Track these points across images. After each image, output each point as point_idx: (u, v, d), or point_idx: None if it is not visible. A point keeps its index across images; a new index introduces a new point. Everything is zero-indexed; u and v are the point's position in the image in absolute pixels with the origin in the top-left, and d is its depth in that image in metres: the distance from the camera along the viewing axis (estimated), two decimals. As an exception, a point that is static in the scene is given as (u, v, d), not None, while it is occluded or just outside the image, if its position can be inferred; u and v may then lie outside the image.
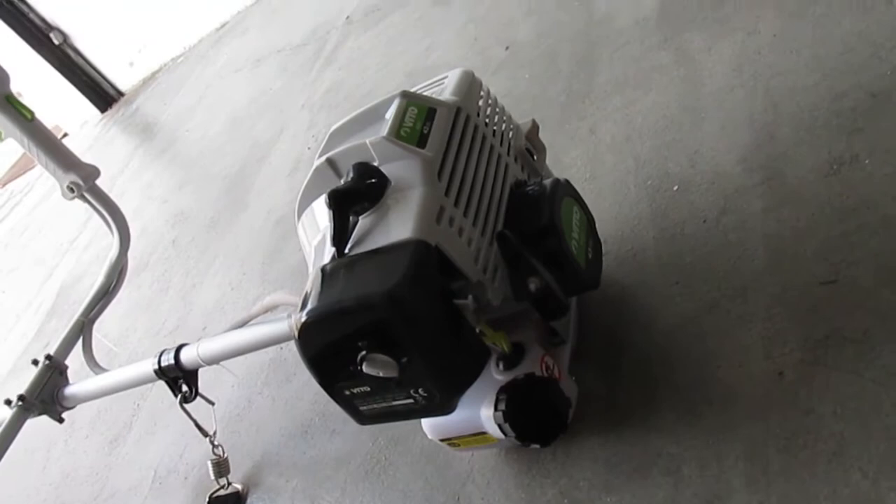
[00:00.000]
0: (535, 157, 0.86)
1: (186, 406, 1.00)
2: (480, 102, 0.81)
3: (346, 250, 0.65)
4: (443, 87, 0.80)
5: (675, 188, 0.96)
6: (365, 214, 0.67)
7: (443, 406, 0.67)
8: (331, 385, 0.65)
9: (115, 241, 1.22)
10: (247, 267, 1.51)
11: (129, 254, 1.23)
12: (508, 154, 0.81)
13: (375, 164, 0.69)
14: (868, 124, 0.86)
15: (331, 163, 0.72)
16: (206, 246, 1.70)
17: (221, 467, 1.05)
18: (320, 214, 0.70)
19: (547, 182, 0.78)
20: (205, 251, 1.69)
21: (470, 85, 0.81)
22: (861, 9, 0.98)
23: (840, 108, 0.90)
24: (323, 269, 0.65)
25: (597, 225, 0.83)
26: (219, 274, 1.56)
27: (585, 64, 1.27)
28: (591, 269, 0.76)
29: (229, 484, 1.05)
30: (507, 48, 1.47)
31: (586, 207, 0.81)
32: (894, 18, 0.94)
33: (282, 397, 1.14)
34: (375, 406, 0.66)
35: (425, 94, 0.80)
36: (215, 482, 1.05)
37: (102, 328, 1.32)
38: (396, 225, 0.65)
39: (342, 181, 0.68)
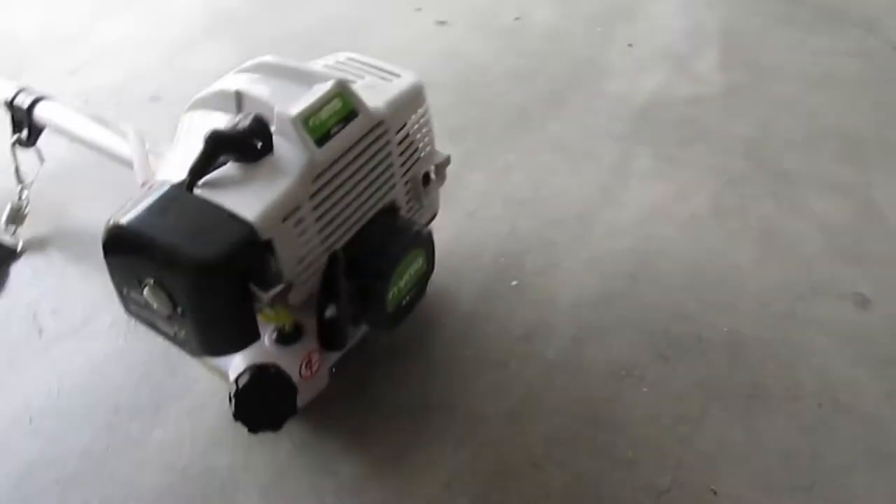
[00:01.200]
0: (428, 186, 0.84)
1: (17, 149, 1.02)
2: (411, 118, 0.78)
3: (198, 184, 0.65)
4: (385, 88, 0.76)
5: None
6: (231, 164, 0.67)
7: (192, 354, 0.71)
8: (114, 275, 0.68)
9: None
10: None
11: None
12: (403, 175, 0.79)
13: (272, 129, 0.67)
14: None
15: (238, 95, 0.70)
16: None
17: (17, 217, 1.06)
18: (203, 128, 0.67)
19: (411, 226, 0.78)
20: None
21: (411, 100, 0.78)
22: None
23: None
24: (164, 188, 0.65)
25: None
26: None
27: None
28: (397, 314, 0.79)
29: (13, 234, 1.06)
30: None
31: (432, 261, 0.82)
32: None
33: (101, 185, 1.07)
34: (143, 314, 0.69)
35: (363, 77, 0.77)
36: (5, 225, 1.06)
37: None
38: (249, 198, 0.65)
39: (236, 120, 0.67)
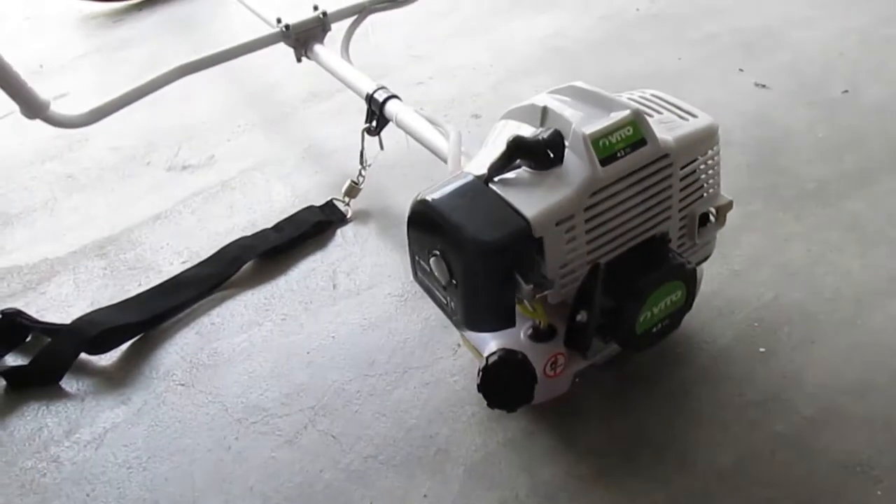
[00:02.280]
0: (705, 226, 0.86)
1: (366, 135, 1.23)
2: (698, 159, 0.82)
3: (494, 179, 0.76)
4: (679, 125, 0.81)
5: None
6: (524, 168, 0.76)
7: (456, 324, 0.82)
8: (411, 243, 0.81)
9: None
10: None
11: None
12: (681, 210, 0.83)
13: (566, 143, 0.75)
14: None
15: (544, 111, 0.79)
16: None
17: (353, 191, 1.27)
18: (507, 135, 0.77)
19: (677, 258, 0.81)
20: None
21: (702, 140, 0.81)
22: None
23: None
24: (465, 177, 0.77)
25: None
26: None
27: None
28: (645, 338, 0.82)
29: (347, 205, 1.28)
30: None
31: (692, 298, 0.85)
32: None
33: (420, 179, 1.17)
34: (425, 281, 0.82)
35: (661, 113, 0.83)
36: (342, 196, 1.27)
37: (383, 20, 1.52)
38: (532, 199, 0.74)
39: (537, 131, 0.77)
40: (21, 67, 1.95)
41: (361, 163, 1.26)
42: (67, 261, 1.26)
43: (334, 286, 1.14)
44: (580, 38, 1.72)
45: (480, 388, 0.84)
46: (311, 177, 1.39)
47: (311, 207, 1.28)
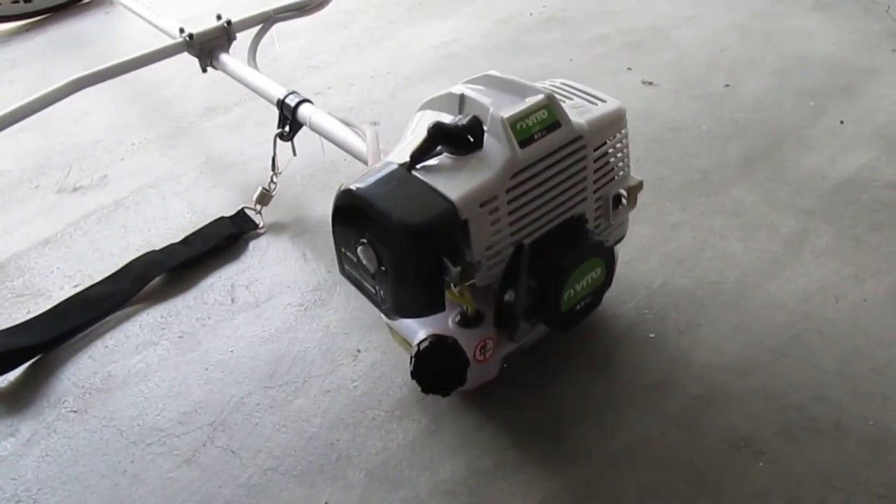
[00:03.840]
0: (619, 207, 0.91)
1: (278, 141, 1.23)
2: (608, 141, 0.86)
3: (417, 167, 0.78)
4: (590, 109, 0.85)
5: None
6: (446, 154, 0.79)
7: (387, 313, 0.83)
8: (336, 235, 0.82)
9: None
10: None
11: None
12: (595, 192, 0.87)
13: (485, 128, 0.78)
14: None
15: (462, 98, 0.82)
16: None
17: (265, 198, 1.26)
18: (426, 123, 0.80)
19: (596, 237, 0.85)
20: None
21: (612, 123, 0.85)
22: None
23: None
24: (387, 167, 0.79)
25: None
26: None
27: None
28: (570, 316, 0.85)
29: (259, 213, 1.26)
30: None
31: (611, 275, 0.89)
32: None
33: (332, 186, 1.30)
34: (353, 273, 0.82)
35: (572, 99, 0.87)
36: (253, 203, 1.26)
37: (282, 30, 1.53)
38: (455, 183, 0.76)
39: (456, 118, 0.79)
40: None
41: (273, 169, 1.25)
42: (-51, 291, 1.21)
43: (233, 300, 1.12)
44: (476, 44, 1.75)
45: (414, 374, 0.85)
46: (208, 191, 1.36)
47: (221, 219, 1.26)
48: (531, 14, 1.85)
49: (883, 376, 0.90)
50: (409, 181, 0.77)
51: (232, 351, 1.04)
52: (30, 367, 1.05)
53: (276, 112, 1.47)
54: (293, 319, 1.08)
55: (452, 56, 1.72)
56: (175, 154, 1.49)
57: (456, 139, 0.77)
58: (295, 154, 1.25)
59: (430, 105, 0.87)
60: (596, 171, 0.85)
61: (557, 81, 0.92)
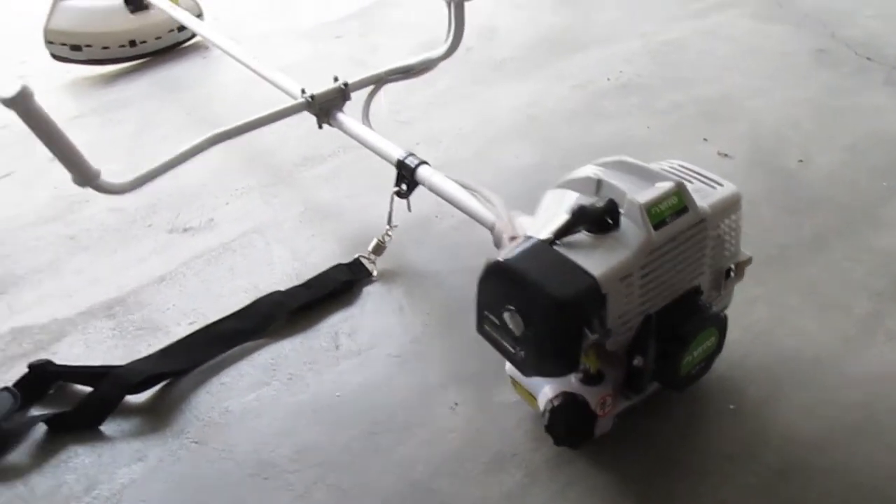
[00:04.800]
0: (728, 280, 1.01)
1: (395, 198, 1.33)
2: (725, 222, 0.96)
3: (557, 242, 0.88)
4: (708, 193, 0.96)
5: None
6: (584, 233, 0.89)
7: (524, 371, 0.92)
8: (481, 299, 0.91)
9: (447, 43, 1.51)
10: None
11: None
12: (711, 266, 0.97)
13: (621, 211, 0.88)
14: None
15: (599, 183, 0.93)
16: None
17: (379, 249, 1.36)
18: (565, 203, 0.92)
19: (712, 308, 0.95)
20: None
21: (729, 206, 0.96)
22: None
23: None
24: (532, 241, 0.89)
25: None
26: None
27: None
28: (686, 379, 0.95)
29: (373, 262, 1.36)
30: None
31: (722, 343, 0.98)
32: None
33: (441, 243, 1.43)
34: (492, 332, 0.92)
35: (694, 182, 0.97)
36: (368, 253, 1.36)
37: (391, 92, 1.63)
38: (596, 260, 0.86)
39: (594, 201, 0.90)
40: (15, 130, 2.01)
41: (389, 223, 1.36)
42: (76, 321, 1.32)
43: (337, 347, 1.22)
44: (554, 107, 1.85)
45: (548, 428, 0.95)
46: (308, 240, 1.47)
47: (338, 265, 1.36)
48: (608, 80, 1.94)
49: (956, 460, 0.96)
50: (554, 256, 0.87)
51: (338, 396, 1.13)
52: (154, 396, 1.16)
53: (368, 165, 1.60)
54: (393, 369, 1.17)
55: (533, 118, 1.81)
56: (276, 201, 1.60)
57: (596, 220, 0.88)
58: (410, 210, 1.35)
59: (566, 185, 0.97)
60: (713, 248, 0.96)
61: (675, 163, 1.03)
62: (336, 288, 1.31)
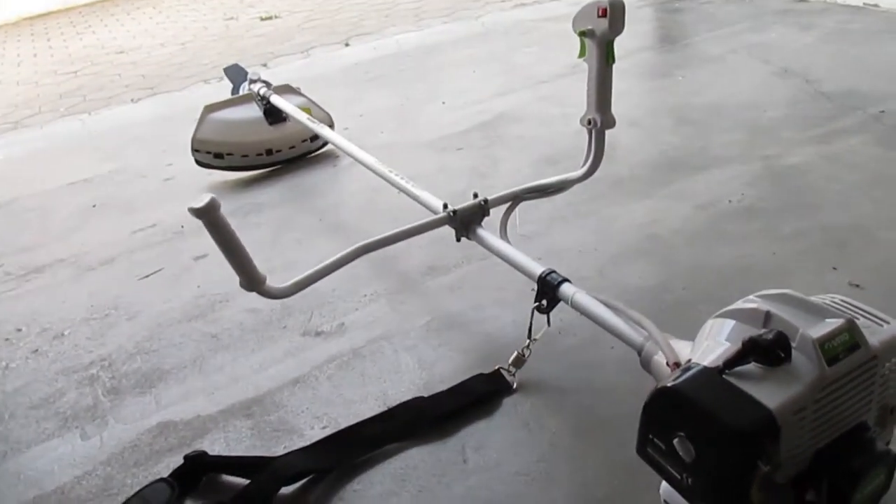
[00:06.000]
0: (892, 416, 0.99)
1: (536, 313, 1.37)
2: (893, 359, 0.95)
3: (727, 372, 0.89)
4: (876, 329, 0.96)
5: None
6: (755, 365, 0.89)
7: (691, 499, 0.92)
8: (647, 422, 0.93)
9: (586, 166, 1.55)
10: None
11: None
12: (877, 403, 0.95)
13: (793, 345, 0.89)
14: None
15: (768, 315, 0.94)
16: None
17: (519, 362, 1.40)
18: (730, 333, 0.95)
19: (882, 445, 0.93)
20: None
21: None
22: None
23: None
24: (701, 368, 0.91)
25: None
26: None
27: None
28: None
29: (513, 375, 1.40)
30: None
31: (891, 480, 0.95)
32: None
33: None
34: (655, 456, 0.93)
35: (860, 318, 0.97)
36: (508, 365, 1.40)
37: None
38: (770, 391, 0.86)
39: (763, 333, 0.90)
40: (163, 227, 2.19)
41: (529, 336, 1.40)
42: (217, 419, 1.40)
43: (464, 461, 1.24)
44: (676, 227, 1.87)
45: None
46: (435, 349, 1.52)
47: (479, 375, 1.41)
48: (730, 202, 1.95)
49: None
50: (723, 385, 0.88)
51: (468, 511, 1.15)
52: (292, 501, 1.21)
53: (492, 278, 1.65)
54: (522, 487, 1.18)
55: (654, 238, 1.84)
56: (403, 309, 1.67)
57: (769, 352, 0.89)
58: (549, 325, 1.39)
59: (730, 315, 0.99)
60: (881, 385, 0.95)
61: (838, 298, 1.03)
62: (478, 398, 1.35)
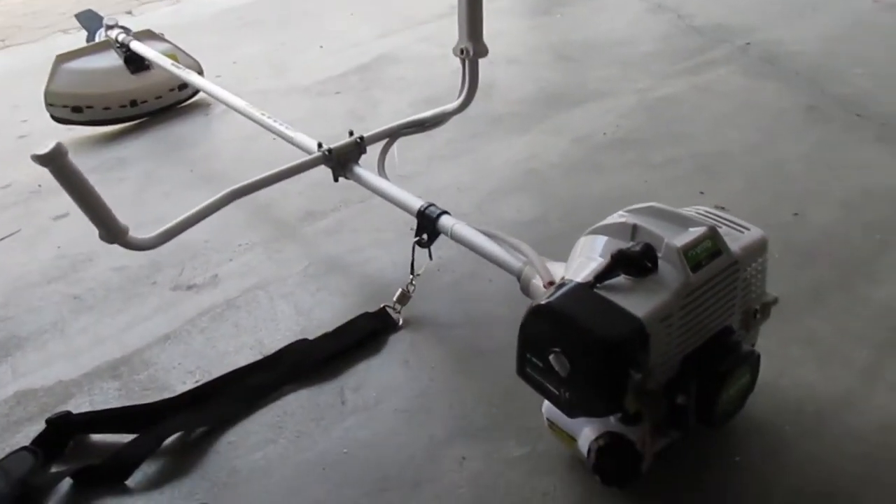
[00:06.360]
0: (755, 319, 1.03)
1: (416, 247, 1.36)
2: (753, 264, 0.99)
3: (598, 286, 0.90)
4: (737, 237, 0.99)
5: None
6: (624, 277, 0.91)
7: (570, 412, 0.94)
8: (524, 342, 0.93)
9: (461, 97, 1.54)
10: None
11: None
12: (741, 307, 0.99)
13: (659, 254, 0.91)
14: None
15: (634, 228, 0.96)
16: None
17: (404, 299, 1.38)
18: (601, 248, 0.96)
19: (745, 346, 0.98)
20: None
21: (759, 249, 0.99)
22: None
23: None
24: (574, 285, 0.92)
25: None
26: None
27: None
28: (723, 417, 0.97)
29: (398, 312, 1.38)
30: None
31: (755, 380, 1.01)
32: None
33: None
34: (534, 375, 0.93)
35: (723, 227, 1.00)
36: (393, 303, 1.38)
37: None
38: (639, 301, 0.88)
39: (631, 245, 0.92)
40: (19, 187, 2.04)
41: (412, 272, 1.38)
42: (82, 383, 1.33)
43: (343, 402, 1.22)
44: (554, 161, 1.89)
45: (595, 468, 0.97)
46: (313, 295, 1.48)
47: (365, 314, 1.38)
48: (604, 134, 1.98)
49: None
50: (596, 299, 0.89)
51: (345, 452, 1.13)
52: (164, 458, 1.16)
53: (369, 220, 1.62)
54: (400, 424, 1.17)
55: (532, 172, 1.85)
56: (280, 256, 1.62)
57: (636, 263, 0.90)
58: (431, 259, 1.39)
59: (599, 231, 1.00)
60: (743, 289, 0.98)
61: (702, 209, 1.06)
62: (364, 337, 1.33)
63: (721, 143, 1.88)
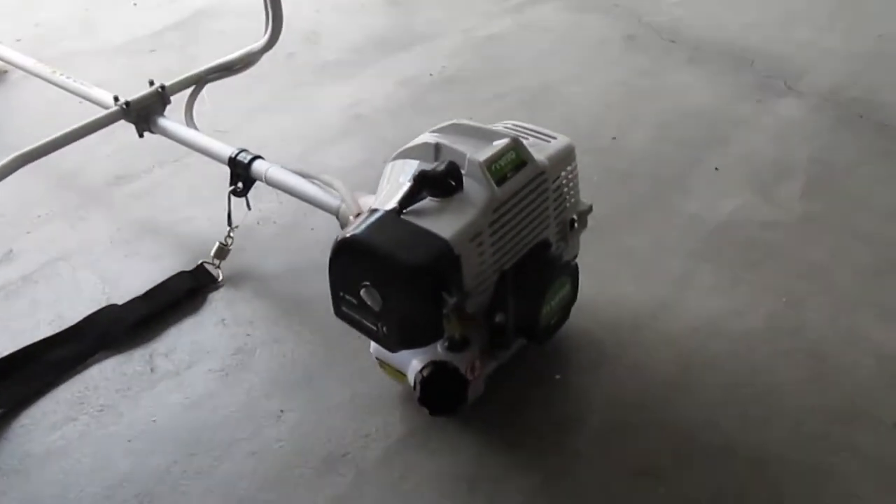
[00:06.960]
0: (573, 230, 1.03)
1: (232, 197, 1.27)
2: (563, 173, 0.98)
3: (404, 211, 0.86)
4: (545, 146, 0.97)
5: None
6: (431, 199, 0.87)
7: (390, 346, 0.90)
8: (334, 280, 0.89)
9: (266, 35, 1.47)
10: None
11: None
12: (556, 218, 0.98)
13: (463, 171, 0.88)
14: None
15: (437, 147, 0.92)
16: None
17: (222, 253, 1.29)
18: (405, 173, 0.91)
19: (563, 258, 0.97)
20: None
21: (565, 157, 0.98)
22: None
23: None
24: (380, 213, 0.87)
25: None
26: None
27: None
28: (547, 330, 0.97)
29: (218, 267, 1.29)
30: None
31: (576, 291, 1.01)
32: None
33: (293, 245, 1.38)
34: (351, 314, 0.89)
35: (529, 138, 0.98)
36: (212, 258, 1.29)
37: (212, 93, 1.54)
38: (445, 222, 0.85)
39: (434, 166, 0.88)
40: None
41: (229, 224, 1.29)
42: None
43: (152, 369, 1.13)
44: (380, 105, 1.83)
45: (421, 400, 0.93)
46: (121, 261, 1.37)
47: (181, 273, 1.28)
48: (431, 75, 1.94)
49: (763, 401, 1.01)
50: (402, 225, 0.85)
51: (154, 420, 1.05)
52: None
53: (185, 179, 1.52)
54: (215, 385, 1.10)
55: (359, 118, 1.79)
56: (84, 225, 1.49)
57: (439, 184, 0.87)
58: (250, 208, 1.30)
59: (404, 155, 0.96)
60: (555, 199, 0.97)
61: (509, 123, 1.04)
62: (179, 297, 1.24)
63: (544, 76, 1.89)
